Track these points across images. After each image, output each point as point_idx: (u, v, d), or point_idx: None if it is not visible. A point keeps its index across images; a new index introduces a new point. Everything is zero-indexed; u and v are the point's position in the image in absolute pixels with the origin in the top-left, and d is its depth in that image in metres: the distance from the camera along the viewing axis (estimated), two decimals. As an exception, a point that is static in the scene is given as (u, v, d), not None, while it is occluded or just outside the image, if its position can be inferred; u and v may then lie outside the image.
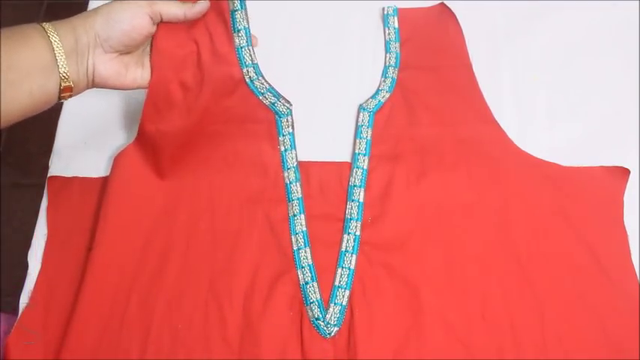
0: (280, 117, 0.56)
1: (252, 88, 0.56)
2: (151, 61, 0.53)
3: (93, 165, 0.57)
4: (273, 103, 0.56)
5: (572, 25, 0.64)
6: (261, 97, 0.56)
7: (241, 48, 0.55)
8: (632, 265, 0.50)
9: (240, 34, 0.54)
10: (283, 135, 0.56)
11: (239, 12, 0.55)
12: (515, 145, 0.56)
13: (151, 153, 0.54)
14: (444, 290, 0.49)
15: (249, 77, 0.55)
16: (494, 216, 0.52)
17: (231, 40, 0.55)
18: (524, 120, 0.59)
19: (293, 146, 0.56)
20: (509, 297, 0.49)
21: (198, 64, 0.53)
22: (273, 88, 0.56)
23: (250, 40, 0.55)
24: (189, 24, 0.53)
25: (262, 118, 0.56)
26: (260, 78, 0.56)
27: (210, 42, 0.54)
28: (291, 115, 0.56)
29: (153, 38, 0.53)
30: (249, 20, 0.55)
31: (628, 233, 0.52)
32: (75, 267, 0.51)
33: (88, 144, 0.59)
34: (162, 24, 0.52)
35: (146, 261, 0.51)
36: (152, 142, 0.54)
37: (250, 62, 0.55)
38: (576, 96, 0.60)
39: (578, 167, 0.55)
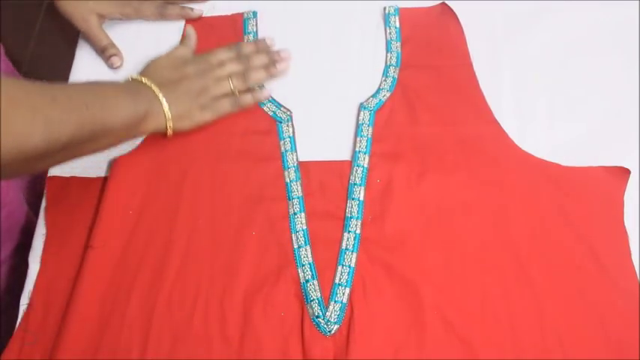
0: (281, 122, 0.58)
1: None
2: None
3: (92, 165, 0.57)
4: (275, 112, 0.59)
5: (573, 25, 0.64)
6: (264, 107, 0.59)
7: None
8: (632, 265, 0.50)
9: None
10: (284, 138, 0.57)
11: (251, 20, 0.66)
12: (515, 144, 0.56)
13: (155, 156, 0.56)
14: (444, 289, 0.49)
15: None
16: (494, 215, 0.52)
17: None
18: (524, 120, 0.58)
19: (293, 148, 0.56)
20: (509, 296, 0.49)
21: None
22: (274, 99, 0.60)
23: None
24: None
25: (264, 124, 0.59)
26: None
27: None
28: (292, 121, 0.58)
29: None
30: (260, 24, 0.66)
31: (628, 233, 0.52)
32: (73, 266, 0.51)
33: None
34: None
35: (146, 260, 0.51)
36: (159, 146, 0.56)
37: None
38: (576, 96, 0.60)
39: (578, 167, 0.55)
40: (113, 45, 0.64)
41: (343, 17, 0.66)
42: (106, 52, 0.63)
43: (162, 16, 0.65)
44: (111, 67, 0.63)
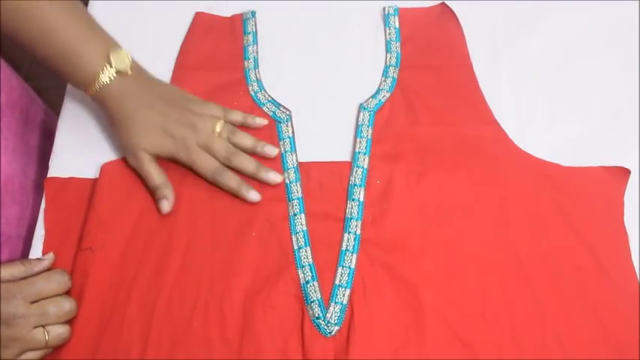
0: (280, 123, 0.58)
1: (256, 99, 0.60)
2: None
3: (92, 166, 0.56)
4: (274, 112, 0.59)
5: (572, 25, 0.64)
6: (263, 108, 0.59)
7: (249, 70, 0.62)
8: (632, 265, 0.50)
9: (249, 61, 0.63)
10: (283, 139, 0.57)
11: (250, 20, 0.65)
12: (515, 145, 0.56)
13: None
14: (444, 289, 0.49)
15: (253, 90, 0.61)
16: (494, 216, 0.52)
17: (241, 62, 0.63)
18: (524, 120, 0.58)
19: (293, 149, 0.56)
20: (509, 296, 0.49)
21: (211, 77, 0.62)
22: (273, 99, 0.60)
23: (257, 64, 0.63)
24: (211, 50, 0.64)
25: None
26: (262, 91, 0.61)
27: (224, 61, 0.63)
28: (291, 121, 0.58)
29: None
30: (260, 24, 0.66)
31: (628, 233, 0.52)
32: (72, 267, 0.51)
33: (87, 145, 0.59)
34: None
35: (146, 261, 0.51)
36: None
37: (255, 79, 0.62)
38: (576, 96, 0.60)
39: (578, 167, 0.55)
40: (167, 185, 0.53)
41: (343, 17, 0.66)
42: (156, 193, 0.53)
43: (216, 177, 0.54)
44: (160, 211, 0.53)
